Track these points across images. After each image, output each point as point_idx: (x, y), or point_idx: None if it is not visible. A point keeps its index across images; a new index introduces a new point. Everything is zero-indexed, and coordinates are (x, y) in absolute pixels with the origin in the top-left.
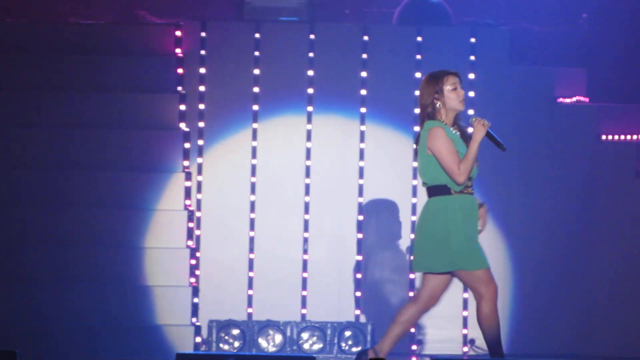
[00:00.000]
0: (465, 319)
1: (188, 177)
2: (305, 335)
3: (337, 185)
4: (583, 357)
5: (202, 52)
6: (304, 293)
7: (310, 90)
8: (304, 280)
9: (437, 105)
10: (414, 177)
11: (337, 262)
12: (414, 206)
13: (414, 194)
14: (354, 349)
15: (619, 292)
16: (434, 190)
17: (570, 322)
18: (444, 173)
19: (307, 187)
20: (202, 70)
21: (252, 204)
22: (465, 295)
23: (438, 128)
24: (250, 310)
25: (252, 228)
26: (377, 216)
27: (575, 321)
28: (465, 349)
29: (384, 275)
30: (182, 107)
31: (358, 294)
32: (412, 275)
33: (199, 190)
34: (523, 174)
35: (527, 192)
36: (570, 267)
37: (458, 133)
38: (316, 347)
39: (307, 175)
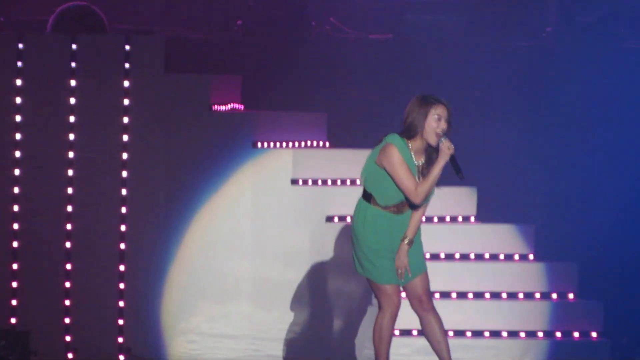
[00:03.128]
0: (120, 328)
1: None
2: None
3: None
4: None
5: None
6: None
7: None
8: None
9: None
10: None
11: None
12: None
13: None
14: None
15: None
16: (363, 194)
17: None
18: (378, 187)
19: None
20: None
21: None
22: (121, 303)
23: (392, 147)
24: None
25: None
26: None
27: None
28: (122, 357)
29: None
30: None
31: None
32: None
33: None
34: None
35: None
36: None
37: (419, 162)
38: None
39: None
